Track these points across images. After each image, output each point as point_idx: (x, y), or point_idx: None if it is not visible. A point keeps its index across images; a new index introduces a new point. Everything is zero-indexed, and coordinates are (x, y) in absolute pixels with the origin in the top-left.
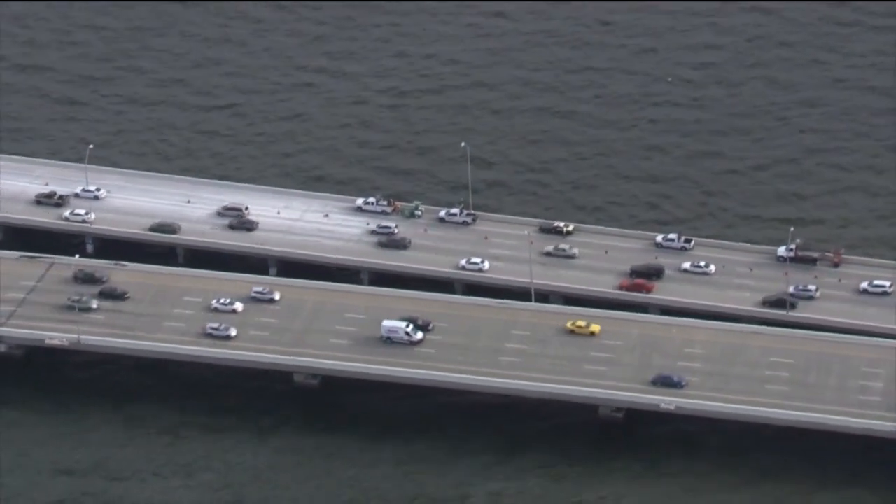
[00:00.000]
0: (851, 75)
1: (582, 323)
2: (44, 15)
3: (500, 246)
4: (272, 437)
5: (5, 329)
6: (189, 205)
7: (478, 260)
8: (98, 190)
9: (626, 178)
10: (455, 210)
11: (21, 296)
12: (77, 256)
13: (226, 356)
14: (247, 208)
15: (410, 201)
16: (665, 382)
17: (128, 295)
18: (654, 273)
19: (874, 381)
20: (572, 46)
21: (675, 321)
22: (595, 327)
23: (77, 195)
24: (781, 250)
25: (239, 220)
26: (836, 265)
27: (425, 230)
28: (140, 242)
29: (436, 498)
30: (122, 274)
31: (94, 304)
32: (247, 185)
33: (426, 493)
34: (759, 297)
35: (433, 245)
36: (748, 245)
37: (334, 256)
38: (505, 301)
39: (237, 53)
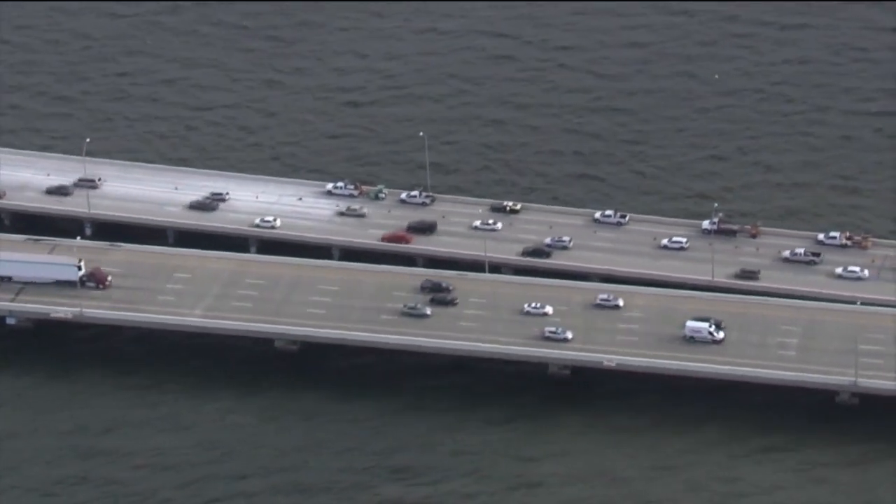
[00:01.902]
0: (761, 70)
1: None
2: (34, 17)
3: (456, 224)
4: (256, 398)
5: (15, 304)
6: (176, 191)
7: (270, 218)
8: (100, 180)
9: (568, 161)
10: (415, 192)
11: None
12: (78, 238)
13: (213, 325)
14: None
15: (375, 185)
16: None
17: (456, 300)
18: (428, 228)
19: (791, 337)
20: (519, 46)
21: (618, 288)
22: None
23: (77, 184)
24: (705, 224)
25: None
26: (754, 236)
27: (388, 211)
28: (134, 225)
29: (405, 450)
30: (118, 253)
31: (428, 310)
32: (228, 173)
33: (396, 446)
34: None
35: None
36: (677, 219)
37: (308, 235)
38: (463, 273)
39: (217, 55)
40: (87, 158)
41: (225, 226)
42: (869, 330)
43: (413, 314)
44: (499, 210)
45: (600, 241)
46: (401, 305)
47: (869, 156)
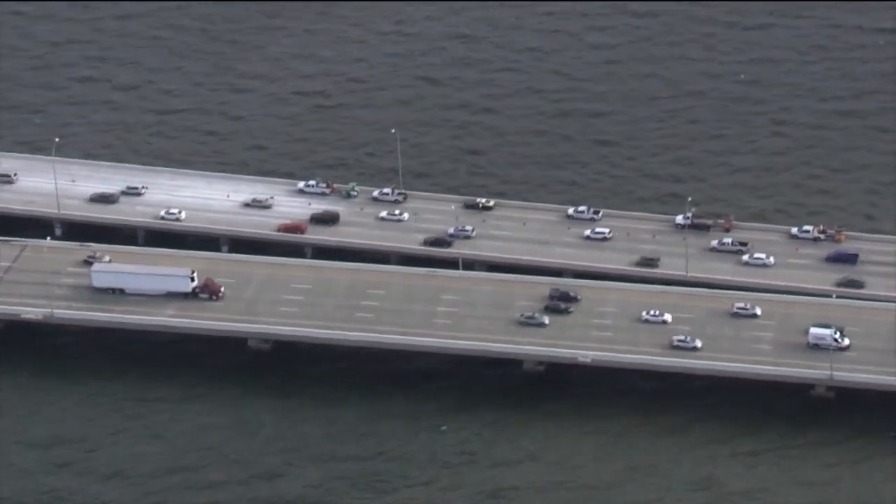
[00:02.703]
0: (723, 70)
1: None
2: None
3: (429, 221)
4: (229, 400)
5: None
6: (73, 184)
7: (175, 210)
8: (73, 181)
9: (542, 161)
10: (387, 190)
11: None
12: (48, 239)
13: (186, 325)
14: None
15: (347, 183)
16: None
17: (571, 309)
18: (331, 219)
19: (764, 331)
20: (487, 47)
21: (588, 283)
22: None
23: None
24: (679, 219)
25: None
26: (727, 230)
27: (361, 209)
28: (104, 226)
29: (379, 455)
30: (87, 253)
31: (546, 319)
32: (200, 172)
33: (381, 449)
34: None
35: (367, 221)
36: (651, 214)
37: (211, 227)
38: (433, 269)
39: (190, 61)
40: (57, 159)
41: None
42: (840, 322)
43: (531, 323)
44: (472, 207)
45: (571, 237)
46: (518, 315)
47: (838, 153)
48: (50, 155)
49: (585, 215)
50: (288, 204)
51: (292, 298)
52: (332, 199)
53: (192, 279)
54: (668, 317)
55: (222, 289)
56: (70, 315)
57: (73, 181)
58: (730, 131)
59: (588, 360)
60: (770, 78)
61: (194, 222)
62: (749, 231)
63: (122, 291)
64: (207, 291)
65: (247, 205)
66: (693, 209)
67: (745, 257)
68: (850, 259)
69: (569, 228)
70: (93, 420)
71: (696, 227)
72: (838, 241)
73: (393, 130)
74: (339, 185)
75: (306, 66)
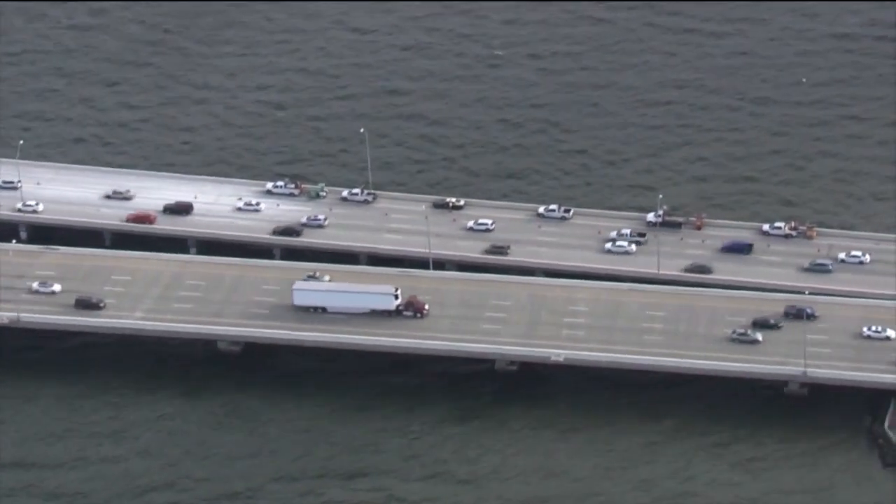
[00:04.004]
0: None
1: None
2: None
3: (399, 220)
4: (199, 402)
5: None
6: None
7: (32, 202)
8: (38, 183)
9: (510, 158)
10: (357, 190)
11: None
12: (14, 242)
13: (155, 328)
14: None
15: (315, 183)
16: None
17: (780, 325)
18: (183, 209)
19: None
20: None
21: (559, 282)
22: None
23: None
24: (650, 216)
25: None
26: (699, 228)
27: (330, 209)
28: (69, 228)
29: (353, 453)
30: (53, 256)
31: (759, 336)
32: (164, 173)
33: (344, 449)
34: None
35: (338, 222)
36: (622, 213)
37: (249, 235)
38: (406, 269)
39: (145, 58)
40: (21, 161)
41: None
42: (818, 319)
43: (743, 340)
44: (442, 206)
45: (545, 236)
46: (729, 331)
47: (809, 145)
48: (13, 158)
49: (556, 214)
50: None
51: (261, 300)
52: (300, 199)
53: (397, 296)
54: (891, 332)
55: (426, 306)
56: (38, 319)
57: (38, 183)
58: (704, 126)
59: (560, 359)
60: (737, 79)
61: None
62: (721, 228)
63: (323, 310)
64: (412, 309)
65: (107, 196)
66: (664, 207)
67: (607, 245)
68: (743, 249)
69: (539, 227)
70: (60, 418)
71: (667, 225)
72: (810, 238)
73: (362, 129)
74: (308, 186)
75: (262, 73)
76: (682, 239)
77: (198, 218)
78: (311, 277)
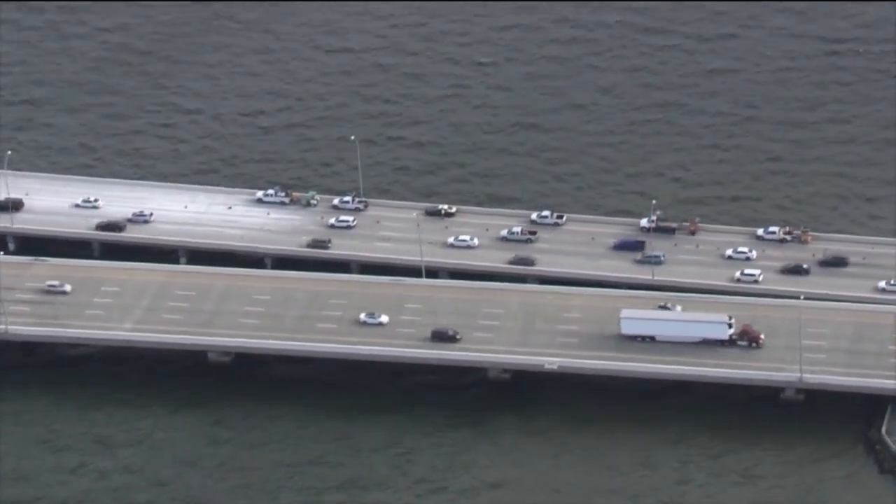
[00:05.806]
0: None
1: None
2: None
3: (390, 228)
4: (189, 414)
5: None
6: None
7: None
8: (27, 195)
9: (499, 168)
10: (348, 198)
11: None
12: (1, 254)
13: (144, 339)
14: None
15: (307, 191)
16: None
17: None
18: (14, 206)
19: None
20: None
21: (552, 289)
22: None
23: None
24: (643, 222)
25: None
26: (693, 233)
27: (321, 217)
28: (57, 239)
29: (346, 463)
30: (42, 268)
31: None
32: (154, 183)
33: (337, 459)
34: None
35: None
36: (614, 218)
37: (239, 244)
38: (398, 278)
39: (128, 68)
40: (9, 172)
41: (152, 237)
42: (813, 325)
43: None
44: (433, 213)
45: (539, 243)
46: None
47: (803, 149)
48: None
49: (549, 220)
50: (247, 214)
51: (251, 310)
52: (292, 208)
53: (730, 325)
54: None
55: (762, 336)
56: (25, 331)
57: (27, 194)
58: (693, 134)
59: (555, 367)
60: (730, 84)
61: (151, 234)
62: (714, 233)
63: (652, 339)
64: (746, 338)
65: (77, 206)
66: (657, 212)
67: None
68: (635, 247)
69: (535, 233)
70: (48, 431)
71: (660, 230)
72: (805, 243)
73: (353, 137)
74: (299, 194)
75: (246, 82)
76: (676, 245)
77: (189, 227)
78: (663, 307)
